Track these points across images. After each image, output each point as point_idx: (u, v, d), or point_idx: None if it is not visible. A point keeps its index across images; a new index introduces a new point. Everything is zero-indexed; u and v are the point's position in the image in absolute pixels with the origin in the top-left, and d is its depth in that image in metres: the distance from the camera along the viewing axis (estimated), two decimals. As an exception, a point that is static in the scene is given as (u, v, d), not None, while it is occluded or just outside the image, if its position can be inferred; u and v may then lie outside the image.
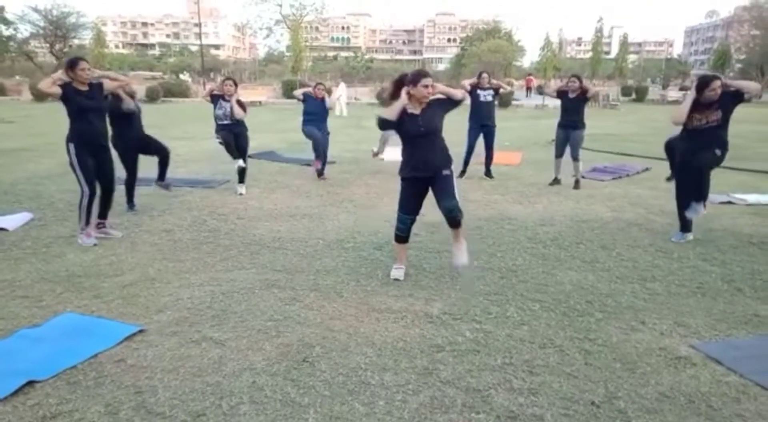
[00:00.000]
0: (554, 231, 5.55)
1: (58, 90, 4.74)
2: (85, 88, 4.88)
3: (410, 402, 2.54)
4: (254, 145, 11.70)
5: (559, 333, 3.27)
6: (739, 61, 52.95)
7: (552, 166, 8.03)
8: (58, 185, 7.44)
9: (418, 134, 3.95)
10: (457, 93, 4.12)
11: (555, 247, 5.02)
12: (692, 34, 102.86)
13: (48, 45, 49.09)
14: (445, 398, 2.57)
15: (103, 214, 5.19)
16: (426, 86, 3.87)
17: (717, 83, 4.87)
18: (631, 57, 66.02)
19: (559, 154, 7.85)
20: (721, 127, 4.95)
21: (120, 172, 5.53)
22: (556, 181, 7.92)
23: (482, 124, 8.18)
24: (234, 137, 7.05)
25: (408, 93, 3.90)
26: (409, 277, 4.17)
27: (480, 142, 8.26)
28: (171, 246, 4.92)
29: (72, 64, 4.83)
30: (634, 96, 38.68)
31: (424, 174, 3.98)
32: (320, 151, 8.20)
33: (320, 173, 8.17)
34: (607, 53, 60.22)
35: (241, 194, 7.04)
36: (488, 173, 8.38)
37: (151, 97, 28.40)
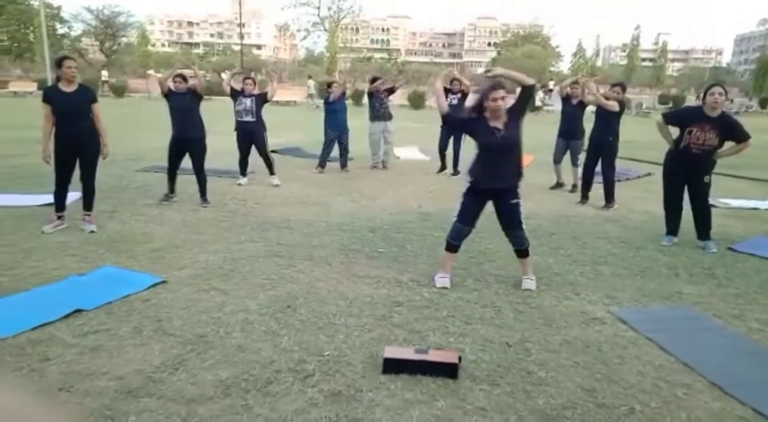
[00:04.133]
0: (534, 223, 6.14)
1: (48, 109, 4.97)
2: (71, 88, 5.05)
3: (363, 336, 3.27)
4: (281, 141, 12.65)
5: (502, 298, 3.94)
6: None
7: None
8: (101, 171, 8.27)
9: (495, 145, 3.92)
10: (526, 78, 3.97)
11: (530, 237, 5.59)
12: (742, 43, 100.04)
13: (98, 43, 51.44)
14: (391, 335, 3.29)
15: (87, 206, 5.38)
16: (495, 99, 3.82)
17: (717, 89, 5.19)
18: (677, 65, 64.78)
19: (558, 160, 8.32)
20: (713, 153, 5.19)
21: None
22: (558, 185, 8.38)
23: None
24: (246, 138, 7.69)
25: (482, 106, 3.91)
26: (390, 254, 4.89)
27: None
28: (195, 222, 5.75)
29: (58, 62, 5.06)
30: (671, 105, 38.51)
31: (497, 186, 4.01)
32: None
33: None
34: (653, 61, 59.59)
35: (277, 185, 7.75)
36: (455, 172, 9.09)
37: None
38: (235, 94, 7.68)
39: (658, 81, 46.96)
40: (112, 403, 2.53)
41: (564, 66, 59.09)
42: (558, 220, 6.36)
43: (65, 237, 5.07)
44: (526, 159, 11.51)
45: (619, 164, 10.96)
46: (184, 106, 6.48)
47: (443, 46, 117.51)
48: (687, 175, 5.37)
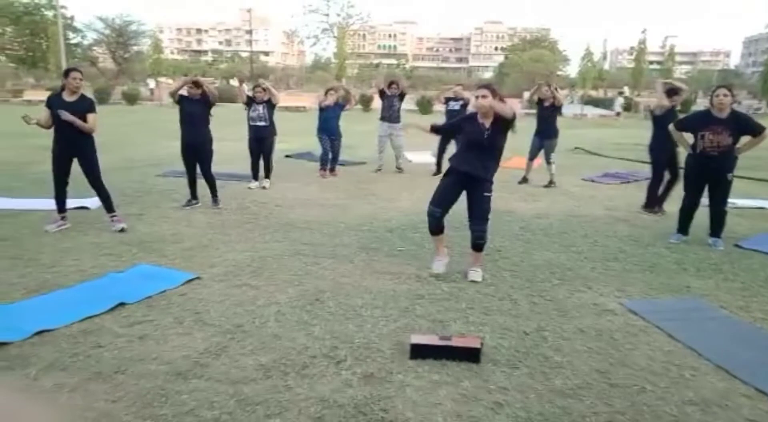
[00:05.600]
0: (546, 223, 6.38)
1: (47, 112, 5.32)
2: (73, 98, 5.36)
3: (389, 326, 3.49)
4: (294, 146, 12.93)
5: (518, 291, 4.15)
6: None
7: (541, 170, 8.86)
8: (123, 176, 8.66)
9: (479, 141, 4.27)
10: (507, 111, 4.22)
11: (542, 235, 5.86)
12: (750, 45, 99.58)
13: (110, 52, 52.15)
14: (415, 325, 3.51)
15: (108, 209, 5.68)
16: (477, 97, 4.25)
17: (722, 90, 5.39)
18: (685, 67, 64.52)
19: (532, 157, 9.04)
20: (732, 152, 5.34)
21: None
22: (524, 180, 9.06)
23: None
24: (258, 143, 8.09)
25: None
26: (409, 252, 5.11)
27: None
28: (220, 224, 6.00)
29: (65, 73, 5.47)
30: (679, 107, 38.70)
31: (468, 170, 4.30)
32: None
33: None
34: (660, 64, 59.48)
35: (264, 188, 8.03)
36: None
37: (204, 101, 30.25)
38: (250, 101, 8.02)
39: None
40: (165, 384, 2.76)
41: (572, 70, 59.29)
42: (569, 220, 6.56)
43: (98, 238, 5.33)
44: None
45: (627, 166, 11.30)
46: (194, 112, 6.73)
47: (450, 50, 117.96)
48: (709, 176, 5.46)
